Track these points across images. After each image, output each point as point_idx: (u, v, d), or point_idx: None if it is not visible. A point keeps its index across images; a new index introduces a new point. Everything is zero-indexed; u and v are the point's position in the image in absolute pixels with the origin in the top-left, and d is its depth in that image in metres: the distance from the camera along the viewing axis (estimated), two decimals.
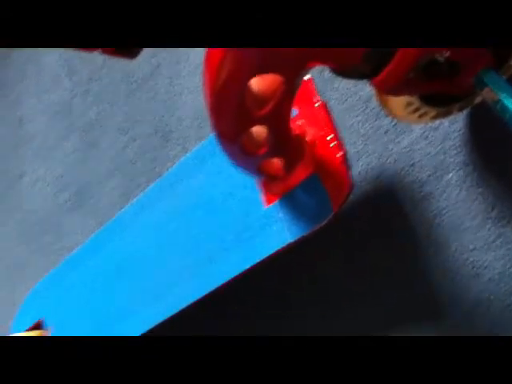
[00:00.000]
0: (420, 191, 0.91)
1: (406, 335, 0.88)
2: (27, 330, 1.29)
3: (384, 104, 0.78)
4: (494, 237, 0.84)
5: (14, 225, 1.71)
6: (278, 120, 0.75)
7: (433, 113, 0.81)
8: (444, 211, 0.89)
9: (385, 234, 0.93)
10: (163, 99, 1.35)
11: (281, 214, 0.90)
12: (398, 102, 0.77)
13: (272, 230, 0.90)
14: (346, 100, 1.00)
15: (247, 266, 0.91)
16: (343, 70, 0.71)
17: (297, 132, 0.85)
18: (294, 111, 0.88)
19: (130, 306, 1.12)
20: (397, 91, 0.73)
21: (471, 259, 0.86)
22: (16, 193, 1.73)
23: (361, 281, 0.94)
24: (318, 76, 0.96)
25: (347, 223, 0.96)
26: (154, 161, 1.32)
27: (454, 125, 0.89)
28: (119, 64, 1.47)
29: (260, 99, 0.71)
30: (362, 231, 0.95)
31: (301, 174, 0.87)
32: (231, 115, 0.72)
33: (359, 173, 0.97)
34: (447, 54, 0.68)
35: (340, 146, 0.86)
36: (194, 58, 1.28)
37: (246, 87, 0.68)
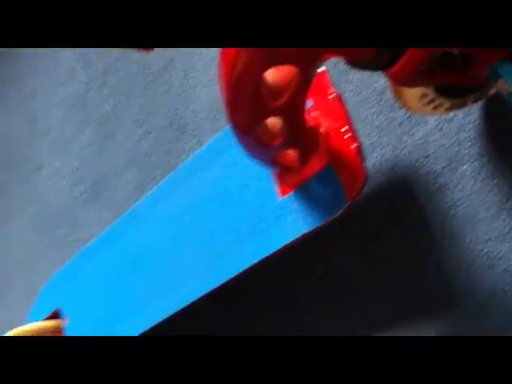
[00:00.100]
0: (434, 183, 0.91)
1: (419, 326, 0.89)
2: (45, 320, 1.30)
3: (398, 96, 0.79)
4: (509, 228, 0.84)
5: (30, 218, 1.73)
6: (292, 111, 0.75)
7: (447, 104, 0.81)
8: (459, 202, 0.89)
9: (399, 226, 0.93)
10: (177, 92, 1.36)
11: (295, 205, 0.91)
12: (413, 93, 0.77)
13: (287, 221, 0.91)
14: (361, 92, 1.01)
15: (262, 257, 0.91)
16: (358, 62, 0.72)
17: (311, 124, 0.86)
18: (309, 103, 0.89)
19: (144, 297, 1.13)
20: (411, 82, 0.73)
21: (486, 250, 0.86)
22: (32, 186, 1.75)
23: (374, 272, 0.94)
24: (332, 68, 0.96)
25: (361, 215, 0.96)
26: (169, 153, 1.33)
27: (469, 116, 0.89)
28: (134, 57, 1.48)
29: (275, 90, 0.71)
30: (376, 223, 0.95)
31: (315, 165, 0.88)
32: (247, 107, 0.72)
33: (373, 165, 0.97)
34: None
35: (354, 138, 0.86)
36: (208, 52, 1.29)
37: (261, 79, 0.68)
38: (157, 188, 1.17)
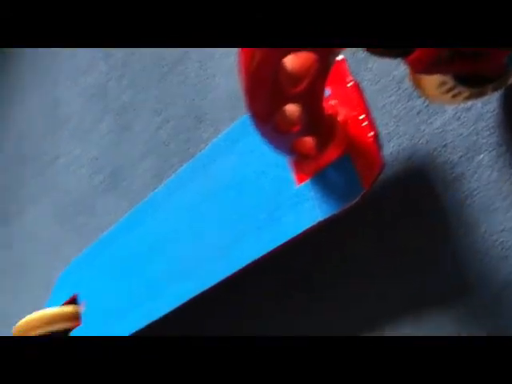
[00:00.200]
0: (451, 172, 0.91)
1: (434, 314, 0.89)
2: (63, 305, 1.32)
3: (417, 84, 0.79)
4: None
5: (50, 205, 1.75)
6: (311, 98, 0.76)
7: (466, 93, 0.80)
8: (475, 192, 0.89)
9: (415, 214, 0.93)
10: (193, 83, 1.36)
11: (312, 193, 0.91)
12: (432, 81, 0.77)
13: (303, 208, 0.92)
14: (379, 81, 1.01)
15: (279, 244, 0.92)
16: (377, 50, 0.72)
17: (329, 112, 0.86)
18: (327, 91, 0.89)
19: (161, 283, 1.14)
20: (430, 70, 0.73)
21: (501, 240, 0.86)
22: (52, 174, 1.77)
23: (391, 260, 0.94)
24: (351, 57, 0.96)
25: (378, 203, 0.96)
26: (187, 142, 1.34)
27: (487, 106, 0.89)
28: (149, 50, 1.50)
29: (294, 77, 0.72)
30: (392, 211, 0.96)
31: (332, 153, 0.88)
32: (266, 94, 0.73)
33: (391, 153, 0.97)
34: None
35: (372, 126, 0.86)
36: None
37: (280, 65, 0.69)
38: (175, 176, 1.18)
